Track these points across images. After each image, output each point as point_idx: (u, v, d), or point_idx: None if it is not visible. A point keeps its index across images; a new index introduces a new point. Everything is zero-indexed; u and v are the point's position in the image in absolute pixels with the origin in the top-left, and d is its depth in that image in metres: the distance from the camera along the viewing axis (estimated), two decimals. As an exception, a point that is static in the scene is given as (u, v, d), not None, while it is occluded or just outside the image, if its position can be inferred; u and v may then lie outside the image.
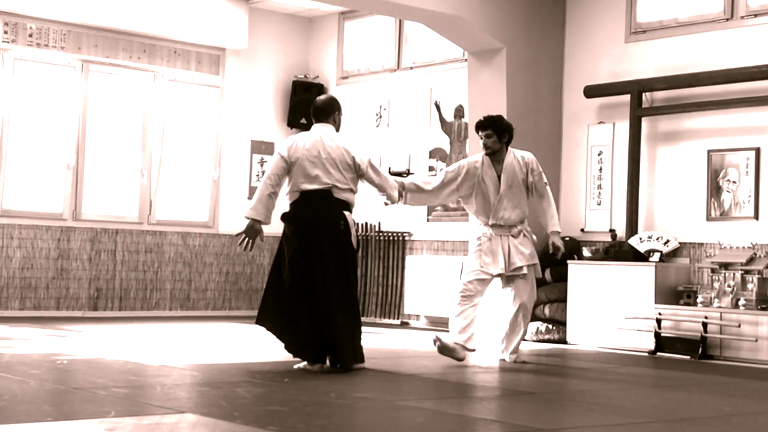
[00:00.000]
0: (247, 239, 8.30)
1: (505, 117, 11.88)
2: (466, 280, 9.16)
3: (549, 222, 9.39)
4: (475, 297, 9.09)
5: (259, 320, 8.44)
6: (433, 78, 13.87)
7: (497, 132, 9.23)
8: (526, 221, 9.39)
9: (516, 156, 9.30)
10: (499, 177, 9.22)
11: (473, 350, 9.09)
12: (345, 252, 8.40)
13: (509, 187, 9.20)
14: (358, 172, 8.45)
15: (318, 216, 8.32)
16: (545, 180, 9.40)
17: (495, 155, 9.27)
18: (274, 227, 8.57)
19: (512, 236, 9.28)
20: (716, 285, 10.69)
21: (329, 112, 8.60)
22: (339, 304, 8.25)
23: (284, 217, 8.40)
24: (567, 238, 12.13)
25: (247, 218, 8.33)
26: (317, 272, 8.24)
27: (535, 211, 12.38)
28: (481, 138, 9.27)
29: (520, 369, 9.09)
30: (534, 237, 9.48)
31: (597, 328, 11.36)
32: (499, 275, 9.24)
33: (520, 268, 9.23)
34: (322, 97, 8.95)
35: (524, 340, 9.77)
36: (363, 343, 8.46)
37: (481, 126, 9.29)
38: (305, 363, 8.27)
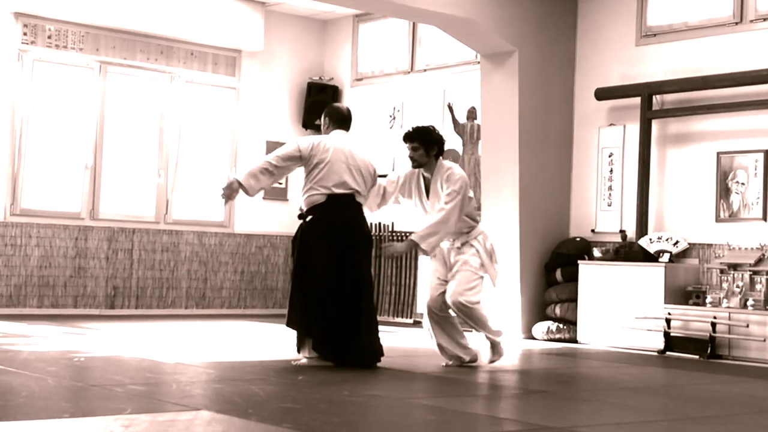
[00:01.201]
0: (225, 195, 8.41)
1: (517, 119, 12.04)
2: (429, 298, 8.77)
3: (421, 225, 8.62)
4: (440, 316, 8.77)
5: (290, 323, 8.49)
6: (446, 80, 13.93)
7: (424, 145, 8.58)
8: (476, 231, 8.74)
9: (444, 169, 8.63)
10: (428, 191, 8.72)
11: (477, 351, 8.98)
12: (369, 255, 8.67)
13: (439, 201, 8.59)
14: (372, 182, 8.69)
15: (348, 220, 8.52)
16: (451, 199, 8.48)
17: (425, 168, 8.68)
18: (292, 228, 8.67)
19: (457, 248, 8.71)
20: (725, 285, 10.75)
21: (350, 121, 8.86)
22: (366, 305, 8.44)
23: (313, 220, 8.45)
24: (578, 239, 12.24)
25: (235, 180, 8.42)
26: (348, 274, 8.40)
27: (548, 211, 12.51)
28: (408, 149, 8.67)
29: (532, 368, 9.19)
30: (488, 245, 8.75)
31: (607, 328, 11.42)
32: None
33: None
34: (343, 105, 9.09)
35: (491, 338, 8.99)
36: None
37: (407, 137, 8.65)
38: (305, 359, 8.37)
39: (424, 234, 8.48)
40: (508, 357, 9.46)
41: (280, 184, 14.75)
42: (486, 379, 8.40)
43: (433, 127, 8.78)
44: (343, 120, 8.78)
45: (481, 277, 8.68)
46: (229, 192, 8.41)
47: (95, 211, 13.65)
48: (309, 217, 8.46)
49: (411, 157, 8.67)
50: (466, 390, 7.68)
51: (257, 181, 8.41)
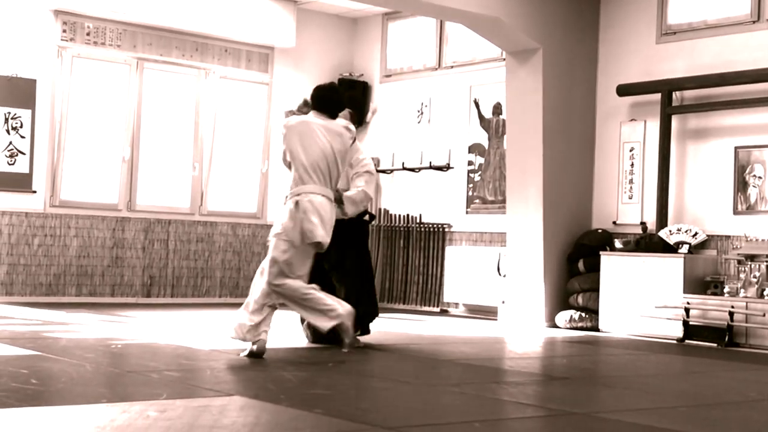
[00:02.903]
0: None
1: (541, 115, 12.16)
2: None
3: None
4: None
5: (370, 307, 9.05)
6: (472, 76, 14.04)
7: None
8: (294, 190, 8.24)
9: None
10: None
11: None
12: None
13: None
14: None
15: None
16: None
17: None
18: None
19: None
20: (742, 276, 10.85)
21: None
22: None
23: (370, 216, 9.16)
24: (600, 230, 12.37)
25: None
26: None
27: (571, 204, 12.61)
28: None
29: (555, 355, 9.31)
30: (291, 209, 8.10)
31: (628, 317, 11.56)
32: None
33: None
34: None
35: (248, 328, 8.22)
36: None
37: None
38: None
39: None
40: (532, 344, 9.60)
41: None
42: (510, 366, 8.54)
43: (328, 86, 9.09)
44: None
45: (287, 241, 8.05)
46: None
47: (132, 203, 13.85)
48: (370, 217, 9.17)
49: None
50: (490, 376, 7.73)
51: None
